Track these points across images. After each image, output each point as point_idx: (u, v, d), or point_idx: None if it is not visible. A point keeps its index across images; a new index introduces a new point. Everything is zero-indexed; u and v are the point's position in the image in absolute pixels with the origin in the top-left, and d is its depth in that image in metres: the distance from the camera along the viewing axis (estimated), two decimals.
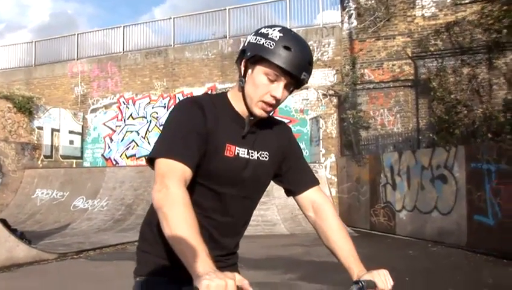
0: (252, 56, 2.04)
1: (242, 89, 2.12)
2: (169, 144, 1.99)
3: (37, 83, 23.63)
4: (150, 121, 21.59)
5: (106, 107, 22.60)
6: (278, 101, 2.08)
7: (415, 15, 17.38)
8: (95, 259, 11.13)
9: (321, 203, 2.31)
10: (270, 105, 2.08)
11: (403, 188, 14.36)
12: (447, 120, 14.00)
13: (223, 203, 2.14)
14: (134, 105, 22.05)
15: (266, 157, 2.23)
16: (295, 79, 2.04)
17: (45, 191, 19.23)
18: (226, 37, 20.75)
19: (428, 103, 16.20)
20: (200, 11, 21.88)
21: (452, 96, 13.97)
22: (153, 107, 21.65)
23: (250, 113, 2.12)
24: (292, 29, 2.17)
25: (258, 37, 2.04)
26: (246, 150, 2.16)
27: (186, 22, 22.45)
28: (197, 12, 21.75)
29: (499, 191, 10.66)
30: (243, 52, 2.09)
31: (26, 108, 20.04)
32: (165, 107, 21.36)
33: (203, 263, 1.63)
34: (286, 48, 1.97)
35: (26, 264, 9.93)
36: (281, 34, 2.00)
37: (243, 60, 2.09)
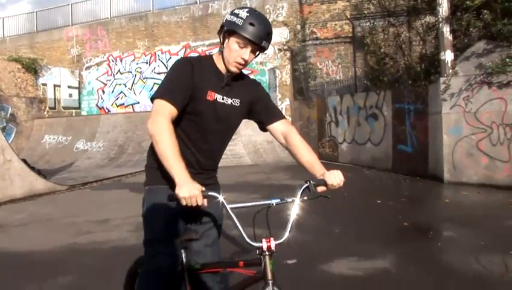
0: (227, 30, 2.38)
1: (221, 53, 2.47)
2: (164, 89, 2.38)
3: (39, 46, 23.26)
4: (135, 75, 21.69)
5: (98, 64, 22.55)
6: (246, 62, 2.42)
7: None
8: (98, 189, 11.65)
9: (288, 132, 2.63)
10: (241, 64, 2.43)
11: (344, 125, 14.76)
12: (378, 70, 14.18)
13: (205, 134, 2.49)
14: (121, 62, 22.06)
15: (237, 103, 2.55)
16: (258, 46, 2.39)
17: (52, 137, 19.43)
18: (196, 3, 20.71)
19: (363, 55, 16.35)
20: None
21: (381, 50, 14.17)
22: (137, 63, 21.72)
23: (228, 70, 2.47)
24: (258, 10, 2.54)
25: (232, 16, 2.37)
26: (222, 96, 2.49)
27: None
28: None
29: (416, 126, 11.18)
30: (222, 27, 2.42)
31: (32, 68, 20.06)
32: (147, 63, 21.46)
33: (181, 175, 2.10)
34: (251, 24, 2.32)
35: (44, 194, 10.44)
36: (248, 14, 2.35)
37: (222, 33, 2.43)
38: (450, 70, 9.69)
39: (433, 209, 7.71)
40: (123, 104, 21.96)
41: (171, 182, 2.24)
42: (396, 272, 4.46)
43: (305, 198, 2.32)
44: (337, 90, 17.16)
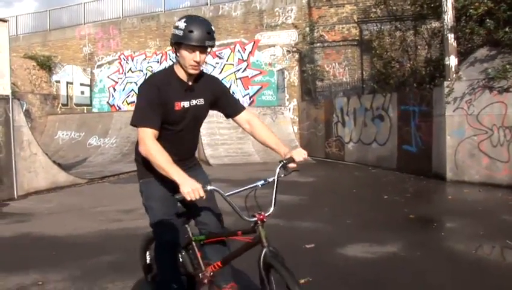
0: (175, 43, 2.78)
1: (178, 63, 2.86)
2: (141, 116, 2.78)
3: (52, 44, 23.84)
4: (146, 73, 22.04)
5: (109, 63, 23.10)
6: (199, 63, 2.79)
7: None
8: (116, 182, 12.12)
9: (252, 119, 3.16)
10: (196, 66, 2.80)
11: (350, 125, 15.18)
12: (384, 73, 14.59)
13: (180, 135, 2.97)
14: (132, 61, 22.59)
15: (202, 102, 2.99)
16: (203, 46, 2.74)
17: (65, 133, 19.85)
18: (207, 4, 21.19)
19: (370, 58, 16.79)
20: None
21: (388, 54, 14.57)
22: (148, 62, 22.20)
23: (188, 73, 2.85)
24: (196, 15, 2.87)
25: (174, 29, 2.74)
26: (188, 102, 2.91)
27: None
28: None
29: (420, 127, 11.60)
30: (170, 40, 2.81)
31: (47, 65, 20.40)
32: (158, 62, 21.94)
33: (179, 176, 2.57)
34: (190, 31, 2.67)
35: (65, 186, 10.93)
36: (185, 24, 2.69)
37: (173, 46, 2.82)
38: (454, 75, 10.17)
39: (436, 204, 8.28)
40: (134, 102, 22.11)
41: (158, 173, 2.78)
42: (405, 255, 5.02)
43: (282, 175, 2.88)
44: (343, 92, 17.63)
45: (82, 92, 22.87)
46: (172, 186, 2.82)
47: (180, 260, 3.22)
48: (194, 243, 3.21)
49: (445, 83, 10.21)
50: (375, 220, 6.91)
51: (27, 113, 18.78)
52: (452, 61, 10.20)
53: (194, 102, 2.96)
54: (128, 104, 22.60)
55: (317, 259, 4.90)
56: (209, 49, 2.84)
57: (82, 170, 14.41)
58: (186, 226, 3.23)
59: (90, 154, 18.07)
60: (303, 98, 19.08)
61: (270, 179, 2.83)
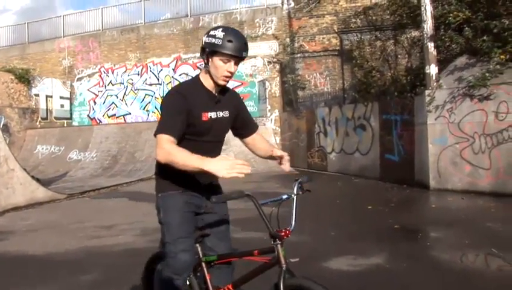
0: (210, 51, 2.70)
1: (208, 72, 2.79)
2: (163, 125, 2.66)
3: (30, 57, 23.46)
4: (127, 86, 21.96)
5: (89, 76, 22.78)
6: (232, 74, 2.76)
7: None
8: (96, 197, 11.85)
9: (257, 138, 3.15)
10: (228, 77, 2.75)
11: (332, 135, 15.15)
12: (365, 82, 14.72)
13: (206, 148, 2.78)
14: (113, 73, 22.33)
15: (227, 115, 2.92)
16: (240, 58, 2.72)
17: (45, 147, 19.52)
18: (187, 16, 21.11)
19: (351, 68, 16.87)
20: None
21: (368, 63, 14.64)
22: (128, 75, 21.98)
23: (217, 84, 2.80)
24: (230, 26, 2.87)
25: (210, 38, 2.67)
26: (215, 113, 2.83)
27: (154, 3, 22.78)
28: None
29: (402, 136, 11.62)
30: (203, 49, 2.74)
31: (25, 78, 20.10)
32: (138, 74, 21.74)
33: (207, 161, 2.43)
34: (229, 41, 2.63)
35: (44, 202, 10.67)
36: (224, 33, 2.65)
37: (205, 54, 2.74)
38: (435, 84, 10.22)
39: (420, 214, 8.25)
40: (114, 114, 22.23)
41: (180, 188, 2.81)
42: (390, 267, 4.95)
43: (300, 193, 2.78)
44: (325, 101, 17.68)
45: (62, 106, 22.53)
46: (194, 203, 2.85)
47: (187, 283, 2.95)
48: (203, 264, 2.98)
49: (426, 92, 10.25)
50: (359, 231, 6.85)
51: (5, 128, 18.49)
52: (432, 69, 10.26)
53: (220, 114, 2.90)
54: (109, 117, 22.35)
55: (303, 273, 4.79)
56: (238, 62, 2.80)
57: (62, 185, 14.19)
58: (197, 245, 2.99)
59: (71, 169, 17.82)
60: (284, 108, 19.06)
61: (293, 195, 2.73)
